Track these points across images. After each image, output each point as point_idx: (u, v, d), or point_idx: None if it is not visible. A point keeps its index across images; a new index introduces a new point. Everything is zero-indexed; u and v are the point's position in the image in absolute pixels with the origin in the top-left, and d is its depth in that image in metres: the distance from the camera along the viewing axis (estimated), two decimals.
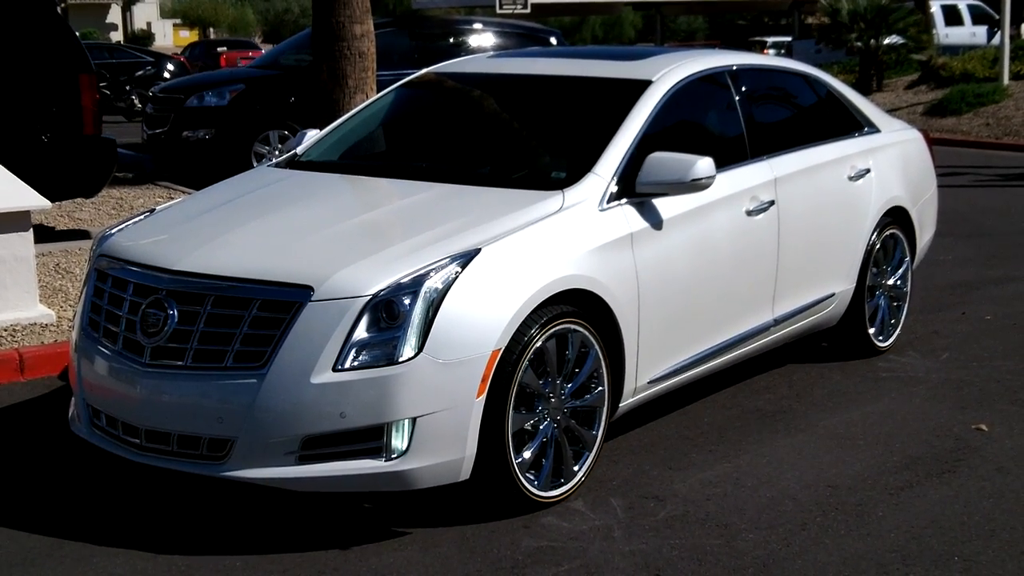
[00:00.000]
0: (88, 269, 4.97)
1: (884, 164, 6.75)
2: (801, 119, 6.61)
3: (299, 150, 5.94)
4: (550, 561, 4.26)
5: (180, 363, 4.36)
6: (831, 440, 5.49)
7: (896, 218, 6.82)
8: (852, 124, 6.77)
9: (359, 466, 4.26)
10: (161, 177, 13.60)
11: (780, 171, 5.91)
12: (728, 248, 5.52)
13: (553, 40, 15.24)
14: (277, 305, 4.29)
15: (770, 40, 41.58)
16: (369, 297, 4.24)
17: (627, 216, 5.00)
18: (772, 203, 5.77)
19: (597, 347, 4.79)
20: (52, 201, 9.94)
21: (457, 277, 4.34)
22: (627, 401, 5.09)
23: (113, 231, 5.10)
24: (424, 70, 6.33)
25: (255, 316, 4.29)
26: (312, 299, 4.25)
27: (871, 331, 6.73)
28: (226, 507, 4.67)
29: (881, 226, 6.67)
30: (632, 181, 5.07)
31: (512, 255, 4.52)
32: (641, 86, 5.48)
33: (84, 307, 4.84)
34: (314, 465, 4.26)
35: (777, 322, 5.96)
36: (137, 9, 71.68)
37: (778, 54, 36.05)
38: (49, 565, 4.24)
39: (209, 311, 4.36)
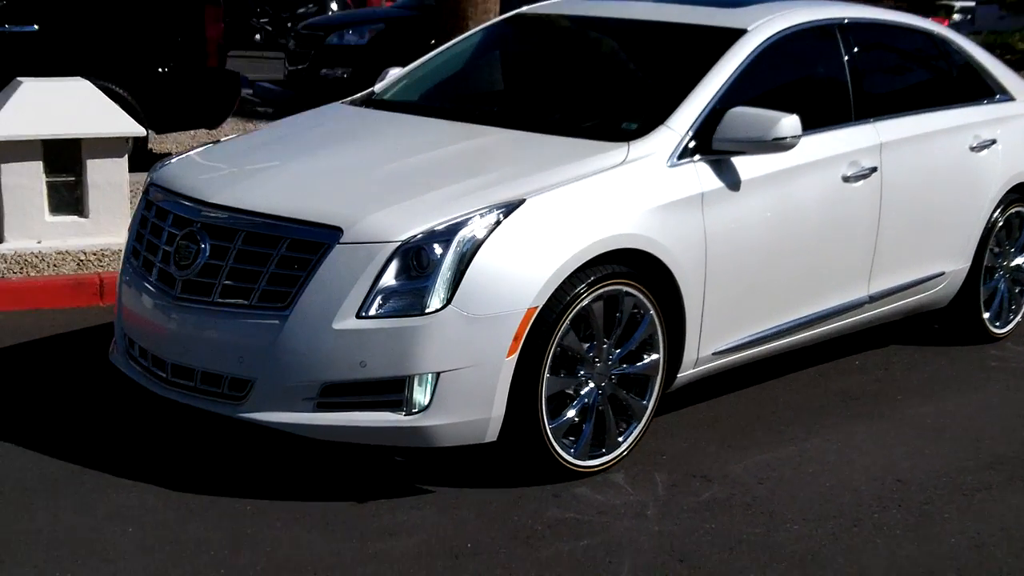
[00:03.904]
0: (140, 198, 4.86)
1: (1014, 135, 6.20)
2: (920, 81, 6.12)
3: (377, 88, 5.73)
4: (570, 535, 4.00)
5: (207, 298, 4.21)
6: (915, 430, 5.08)
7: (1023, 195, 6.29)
8: (982, 90, 6.24)
9: (378, 418, 4.06)
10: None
11: (887, 136, 5.46)
12: (818, 216, 5.12)
13: None
14: (305, 245, 4.09)
15: (958, 4, 39.74)
16: (399, 243, 4.01)
17: (699, 174, 4.66)
18: (874, 170, 5.34)
19: (653, 312, 4.48)
20: (173, 131, 10.06)
21: (496, 228, 4.08)
22: (687, 372, 4.77)
23: (171, 161, 4.98)
24: (517, 10, 6.05)
25: (283, 255, 4.11)
26: (341, 241, 4.04)
27: (986, 316, 6.23)
28: (256, 449, 4.53)
29: (1006, 203, 6.15)
30: (711, 137, 4.72)
31: (559, 208, 4.23)
32: (734, 35, 5.10)
33: (130, 235, 4.74)
34: (332, 413, 4.07)
35: (873, 299, 5.54)
36: None
37: (963, 19, 34.54)
38: (65, 493, 4.16)
39: (239, 247, 4.19)
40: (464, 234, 4.04)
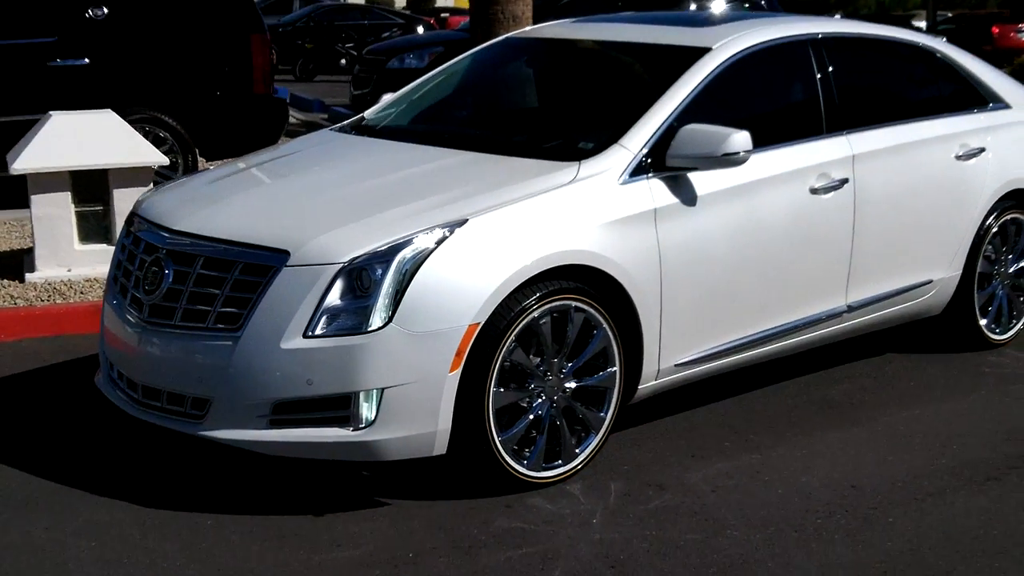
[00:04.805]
0: (122, 227, 5.12)
1: (1007, 143, 6.20)
2: (901, 93, 6.14)
3: (367, 113, 5.94)
4: (511, 544, 4.14)
5: (171, 321, 4.44)
6: (886, 437, 5.13)
7: (1021, 202, 6.27)
8: (973, 99, 6.25)
9: (327, 434, 4.25)
10: None
11: (861, 148, 5.51)
12: (784, 227, 5.19)
13: (763, 3, 14.74)
14: (256, 268, 4.30)
15: None
16: (343, 264, 4.20)
17: (653, 190, 4.77)
18: (845, 181, 5.40)
19: (606, 326, 4.61)
20: (223, 158, 10.41)
21: (437, 247, 4.25)
22: (648, 384, 4.88)
23: (154, 191, 5.23)
24: (505, 35, 6.22)
25: (236, 279, 4.32)
26: (288, 264, 4.24)
27: (982, 322, 6.23)
28: (230, 465, 4.74)
29: (999, 210, 6.15)
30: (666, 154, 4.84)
31: (501, 227, 4.38)
32: (697, 53, 5.21)
33: (112, 263, 5.00)
34: (284, 430, 4.27)
35: (851, 309, 5.58)
36: None
37: None
38: (41, 509, 4.41)
39: (198, 272, 4.42)
40: (405, 254, 4.21)
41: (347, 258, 4.21)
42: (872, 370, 6.01)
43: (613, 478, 4.67)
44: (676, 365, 4.94)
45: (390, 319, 4.17)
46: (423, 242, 4.25)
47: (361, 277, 4.20)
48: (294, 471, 4.68)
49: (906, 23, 32.42)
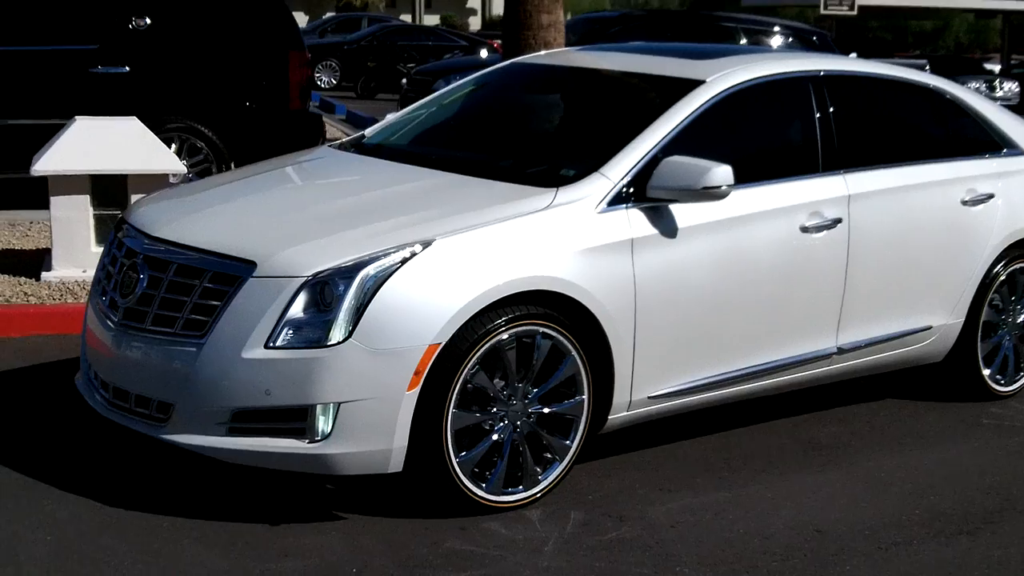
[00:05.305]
0: (111, 232, 5.20)
1: (1018, 190, 6.09)
2: (906, 135, 6.05)
3: (367, 132, 5.98)
4: (456, 566, 4.13)
5: (142, 325, 4.50)
6: (864, 483, 5.04)
7: None
8: (985, 144, 6.15)
9: (283, 445, 4.27)
10: None
11: (858, 188, 5.45)
12: (769, 264, 5.14)
13: (815, 39, 14.67)
14: (224, 278, 4.35)
15: None
16: (307, 278, 4.23)
17: (631, 221, 4.75)
18: (839, 221, 5.34)
19: (575, 353, 4.59)
20: None
21: (401, 266, 4.27)
22: (619, 415, 4.85)
23: (149, 198, 5.30)
24: (512, 59, 6.24)
25: (205, 287, 4.37)
26: (254, 275, 4.28)
27: (986, 372, 6.11)
28: (194, 471, 4.77)
29: (1008, 259, 6.04)
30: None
31: (469, 249, 4.39)
32: (689, 86, 5.19)
33: (98, 267, 5.08)
34: (242, 438, 4.30)
35: (842, 351, 5.50)
36: None
37: None
38: (5, 500, 4.48)
39: (171, 278, 4.47)
40: (368, 271, 4.23)
41: (311, 272, 4.24)
42: (867, 414, 5.92)
43: (575, 507, 4.64)
44: (650, 397, 4.90)
45: (350, 334, 4.19)
46: (388, 260, 4.27)
47: (324, 291, 4.23)
48: (257, 479, 4.70)
49: (978, 66, 32.11)
